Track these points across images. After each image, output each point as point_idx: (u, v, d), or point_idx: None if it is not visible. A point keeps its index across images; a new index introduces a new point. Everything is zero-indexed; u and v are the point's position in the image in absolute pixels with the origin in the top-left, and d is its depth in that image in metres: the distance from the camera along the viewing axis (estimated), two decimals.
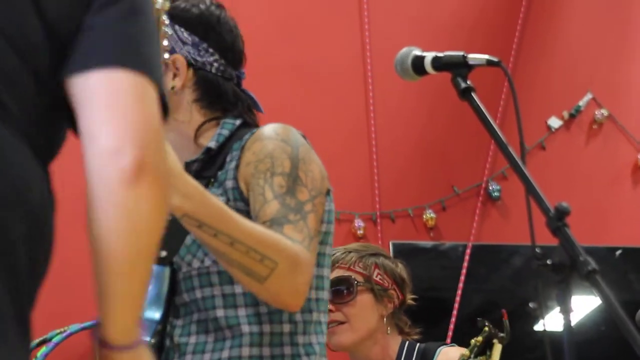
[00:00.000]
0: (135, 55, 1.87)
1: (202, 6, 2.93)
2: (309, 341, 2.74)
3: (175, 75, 2.86)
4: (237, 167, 2.75)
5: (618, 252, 6.00)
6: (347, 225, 5.69)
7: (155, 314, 2.76)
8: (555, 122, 6.13)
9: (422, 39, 5.66)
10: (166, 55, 2.70)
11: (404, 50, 2.65)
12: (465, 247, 5.67)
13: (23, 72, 1.85)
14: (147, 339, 2.72)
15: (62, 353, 5.15)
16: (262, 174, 2.67)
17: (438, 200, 5.76)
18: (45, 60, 1.87)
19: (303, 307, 2.64)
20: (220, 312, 2.71)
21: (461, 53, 2.55)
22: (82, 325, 5.18)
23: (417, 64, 2.61)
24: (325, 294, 2.81)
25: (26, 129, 1.85)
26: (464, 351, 3.66)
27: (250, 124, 2.90)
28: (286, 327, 2.71)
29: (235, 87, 2.94)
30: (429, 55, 2.60)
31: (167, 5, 2.38)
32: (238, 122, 2.88)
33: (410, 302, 3.87)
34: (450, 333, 5.37)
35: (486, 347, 3.67)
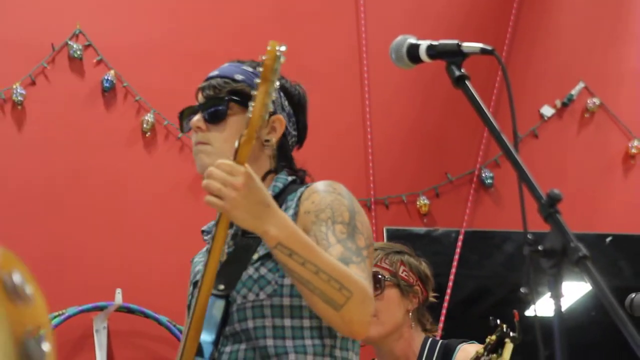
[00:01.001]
0: None
1: (300, 90, 3.13)
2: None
3: (271, 131, 3.00)
4: (295, 214, 2.87)
5: (608, 239, 5.99)
6: None
7: (210, 338, 2.88)
8: (547, 111, 6.14)
9: (417, 28, 5.67)
10: (270, 110, 2.79)
11: (399, 38, 2.64)
12: (458, 233, 5.68)
13: None
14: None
15: (60, 335, 5.18)
16: (323, 222, 2.81)
17: (431, 187, 5.78)
18: None
19: (338, 343, 2.87)
20: (269, 342, 2.85)
21: (455, 41, 2.53)
22: (80, 308, 5.20)
23: (412, 52, 2.60)
24: None
25: None
26: (480, 349, 3.68)
27: (298, 181, 3.06)
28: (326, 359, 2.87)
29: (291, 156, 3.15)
30: (423, 44, 2.59)
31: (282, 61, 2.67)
32: (290, 178, 3.02)
33: (432, 299, 3.91)
34: (442, 318, 5.39)
35: (498, 345, 3.67)
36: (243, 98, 2.95)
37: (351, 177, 5.70)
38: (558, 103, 6.16)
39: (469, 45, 2.52)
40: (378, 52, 5.75)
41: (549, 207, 2.17)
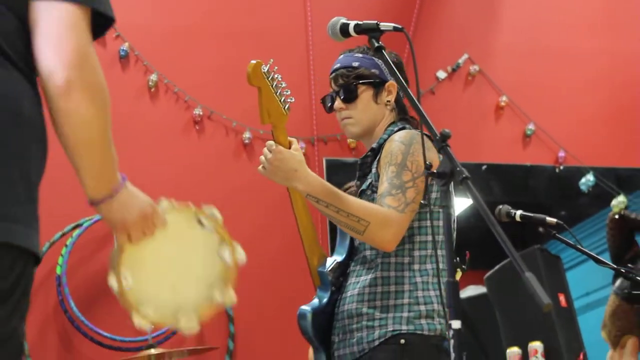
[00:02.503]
0: None
1: (396, 58, 3.07)
2: (424, 268, 2.94)
3: (389, 94, 3.10)
4: (378, 159, 3.01)
5: (484, 167, 5.98)
6: None
7: (340, 257, 3.08)
8: (441, 74, 6.08)
9: (350, 10, 5.72)
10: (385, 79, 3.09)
11: (334, 19, 2.70)
12: None
13: (18, 28, 1.83)
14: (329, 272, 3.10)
15: (91, 234, 5.13)
16: (384, 165, 2.92)
17: None
18: (23, 8, 1.83)
19: (416, 246, 2.93)
20: (367, 252, 2.99)
21: (375, 21, 2.60)
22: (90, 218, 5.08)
23: (344, 29, 2.67)
24: (430, 237, 2.95)
25: (20, 66, 1.82)
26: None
27: (407, 127, 3.08)
28: (406, 259, 2.94)
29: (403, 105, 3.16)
30: (352, 23, 2.65)
31: None
32: (396, 128, 3.07)
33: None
34: None
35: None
36: (364, 78, 3.07)
37: (299, 120, 5.68)
38: (449, 69, 6.10)
39: (385, 25, 2.58)
40: (320, 28, 5.74)
41: (442, 142, 2.24)
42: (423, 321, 2.87)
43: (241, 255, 2.14)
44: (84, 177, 1.87)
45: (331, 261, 3.05)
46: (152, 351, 4.16)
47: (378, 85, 3.11)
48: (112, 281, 2.02)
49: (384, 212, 2.83)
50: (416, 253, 2.94)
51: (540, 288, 1.89)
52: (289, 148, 2.91)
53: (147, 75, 5.47)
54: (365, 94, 3.10)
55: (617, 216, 5.77)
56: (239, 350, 5.35)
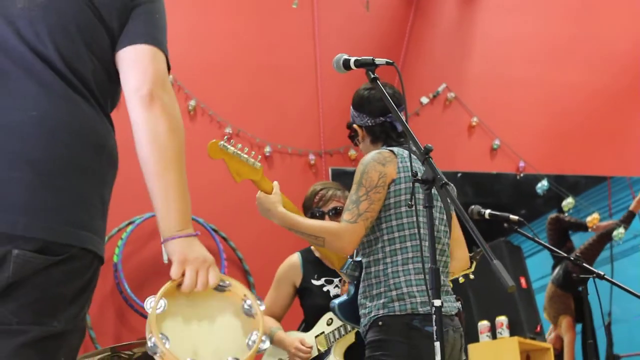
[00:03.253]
0: (154, 36, 1.87)
1: (394, 88, 3.11)
2: (395, 260, 2.88)
3: (359, 135, 3.10)
4: None
5: (459, 175, 5.89)
6: (305, 157, 5.60)
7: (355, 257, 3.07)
8: (424, 100, 6.05)
9: (350, 48, 5.72)
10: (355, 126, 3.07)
11: (338, 55, 2.67)
12: None
13: (99, 67, 1.84)
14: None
15: (142, 229, 5.10)
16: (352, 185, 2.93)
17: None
18: (108, 54, 1.86)
19: (386, 244, 2.88)
20: (360, 254, 2.99)
21: (371, 57, 2.58)
22: (152, 213, 5.25)
23: (346, 64, 2.63)
24: (397, 233, 2.89)
25: (100, 101, 1.83)
26: None
27: (389, 144, 3.03)
28: (380, 255, 2.90)
29: (382, 124, 3.05)
30: (352, 59, 2.63)
31: None
32: (373, 153, 2.99)
33: None
34: None
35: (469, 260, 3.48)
36: (353, 131, 3.12)
37: (310, 136, 5.67)
38: (431, 95, 6.06)
39: (379, 60, 2.56)
40: (326, 60, 5.64)
41: (425, 154, 2.24)
42: (396, 304, 2.82)
43: (265, 344, 1.85)
44: (166, 208, 1.79)
45: (349, 262, 3.05)
46: None
47: (355, 134, 3.15)
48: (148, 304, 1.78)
49: (335, 226, 2.87)
50: (387, 249, 2.89)
51: (505, 273, 1.88)
52: (272, 192, 3.00)
53: (187, 101, 5.46)
54: (361, 138, 3.12)
55: (553, 218, 5.83)
56: None
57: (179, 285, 1.82)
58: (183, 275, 1.81)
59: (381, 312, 2.84)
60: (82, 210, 1.73)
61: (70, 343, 1.75)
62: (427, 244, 2.75)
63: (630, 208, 5.95)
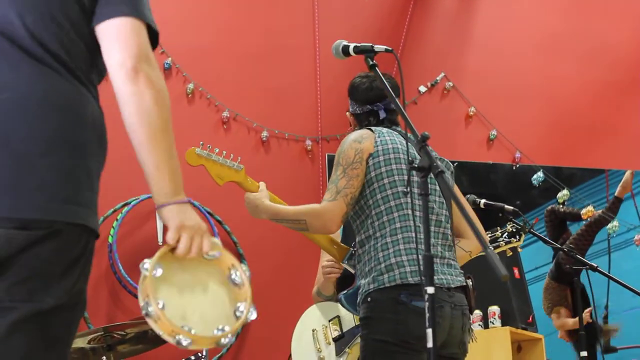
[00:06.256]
0: (133, 7, 1.83)
1: (351, 84, 3.13)
2: (383, 233, 2.84)
3: (353, 125, 3.12)
4: None
5: (455, 164, 5.73)
6: (302, 143, 5.58)
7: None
8: (422, 89, 6.03)
9: (350, 35, 5.69)
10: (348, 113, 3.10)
11: (337, 41, 2.67)
12: None
13: (74, 38, 1.82)
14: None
15: (137, 210, 5.09)
16: None
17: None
18: (82, 26, 1.83)
19: (373, 219, 2.85)
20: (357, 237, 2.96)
21: (370, 44, 2.59)
22: (148, 195, 4.98)
23: (345, 50, 2.65)
24: (383, 206, 2.86)
25: (76, 73, 1.81)
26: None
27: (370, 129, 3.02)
28: (370, 232, 2.87)
29: (368, 112, 3.07)
30: (351, 45, 2.63)
31: None
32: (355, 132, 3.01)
33: None
34: None
35: (516, 233, 3.56)
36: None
37: (308, 122, 5.66)
38: (429, 84, 6.06)
39: (378, 47, 2.57)
40: (325, 45, 5.64)
41: (422, 142, 2.24)
42: (385, 276, 2.76)
43: (252, 315, 1.86)
44: (158, 175, 1.79)
45: (350, 252, 3.05)
46: None
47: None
48: (144, 269, 1.80)
49: (315, 207, 2.87)
50: (375, 224, 2.84)
51: (499, 262, 1.88)
52: (258, 191, 3.05)
53: (186, 84, 5.44)
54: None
55: (548, 210, 5.85)
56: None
57: (173, 250, 1.83)
58: (178, 241, 1.83)
59: (371, 287, 2.79)
60: (66, 184, 1.73)
61: (66, 317, 1.76)
62: (418, 214, 2.75)
63: (616, 194, 5.96)
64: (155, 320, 1.74)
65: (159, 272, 1.79)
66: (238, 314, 1.83)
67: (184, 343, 1.73)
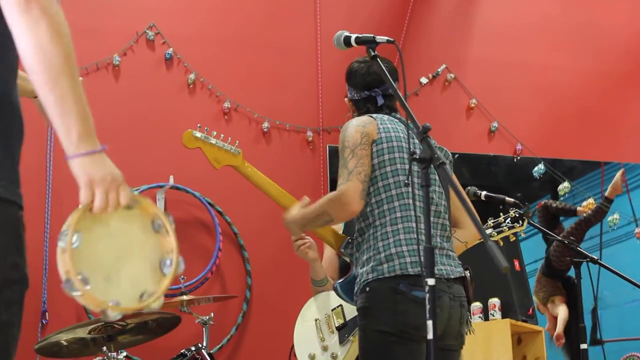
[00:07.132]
0: None
1: (392, 65, 3.09)
2: (383, 222, 2.83)
3: (352, 111, 3.10)
4: None
5: (456, 156, 5.61)
6: (303, 134, 5.56)
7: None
8: (424, 80, 6.02)
9: (351, 25, 5.68)
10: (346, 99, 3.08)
11: (339, 32, 2.67)
12: None
13: None
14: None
15: None
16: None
17: None
18: None
19: (374, 207, 2.84)
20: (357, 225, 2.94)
21: (372, 35, 2.59)
22: (149, 185, 5.09)
23: (347, 41, 2.64)
24: (384, 194, 2.85)
25: None
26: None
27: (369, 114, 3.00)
28: (370, 220, 2.85)
29: (367, 98, 3.05)
30: (353, 36, 2.63)
31: None
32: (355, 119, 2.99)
33: None
34: None
35: (519, 218, 3.53)
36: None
37: (309, 114, 5.64)
38: (430, 76, 6.04)
39: (379, 37, 2.57)
40: (327, 35, 5.65)
41: (423, 133, 2.24)
42: (384, 266, 2.74)
43: (181, 267, 1.76)
44: (62, 122, 1.59)
45: (346, 240, 3.02)
46: (184, 297, 4.15)
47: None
48: (61, 241, 1.63)
49: (332, 195, 2.81)
50: (375, 212, 2.83)
51: (500, 254, 1.87)
52: (252, 175, 3.08)
53: (187, 74, 5.43)
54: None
55: (541, 205, 5.88)
56: (254, 299, 5.34)
57: (90, 210, 1.65)
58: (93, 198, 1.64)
59: (370, 276, 2.77)
60: None
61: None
62: (419, 204, 2.72)
63: (606, 194, 5.95)
64: (79, 297, 1.62)
65: (76, 241, 1.62)
66: (165, 270, 1.74)
67: (112, 315, 1.66)
